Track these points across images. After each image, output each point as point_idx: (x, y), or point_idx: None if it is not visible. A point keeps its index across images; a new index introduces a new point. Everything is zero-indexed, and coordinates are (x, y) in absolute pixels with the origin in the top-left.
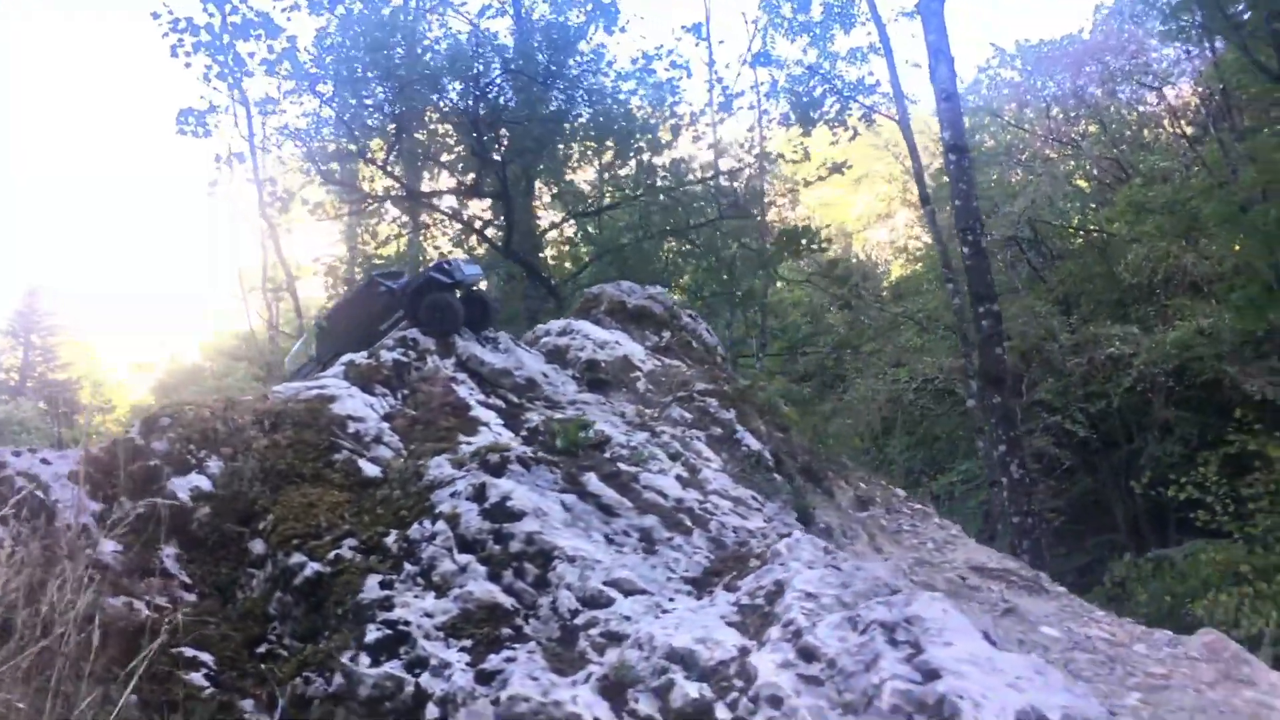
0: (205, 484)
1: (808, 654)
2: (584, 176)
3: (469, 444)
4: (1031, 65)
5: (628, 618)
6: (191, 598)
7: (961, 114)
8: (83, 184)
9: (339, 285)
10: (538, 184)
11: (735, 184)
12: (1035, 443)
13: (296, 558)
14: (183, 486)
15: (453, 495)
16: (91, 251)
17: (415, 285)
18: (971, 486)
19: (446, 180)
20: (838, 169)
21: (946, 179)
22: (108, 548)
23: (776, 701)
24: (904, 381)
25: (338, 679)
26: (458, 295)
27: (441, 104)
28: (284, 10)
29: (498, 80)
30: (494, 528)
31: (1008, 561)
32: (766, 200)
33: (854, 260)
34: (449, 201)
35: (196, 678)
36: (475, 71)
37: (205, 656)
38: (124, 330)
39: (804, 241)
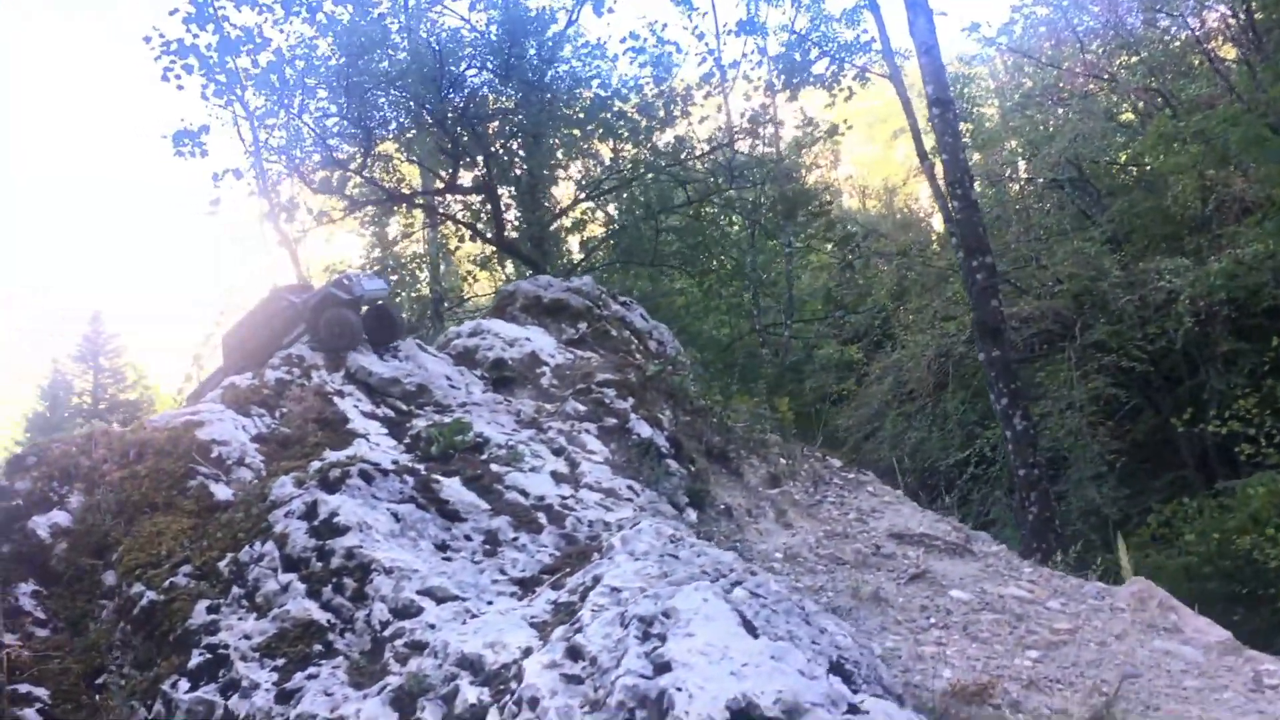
0: (65, 520)
1: (574, 652)
2: (602, 159)
3: (322, 461)
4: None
5: (432, 626)
6: (44, 633)
7: (943, 67)
8: (101, 189)
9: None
10: (553, 172)
11: (749, 153)
12: (1091, 385)
13: (137, 587)
14: (43, 524)
15: (287, 515)
16: (112, 261)
17: (314, 300)
18: None
19: (440, 179)
20: (834, 133)
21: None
22: None
23: (534, 702)
24: (952, 334)
25: (158, 706)
26: (360, 311)
27: (423, 104)
28: (275, 23)
29: (474, 76)
30: (318, 545)
31: (940, 525)
32: (805, 163)
33: (897, 215)
34: (458, 200)
35: (30, 714)
36: (442, 70)
37: (40, 691)
38: (170, 344)
39: (802, 207)
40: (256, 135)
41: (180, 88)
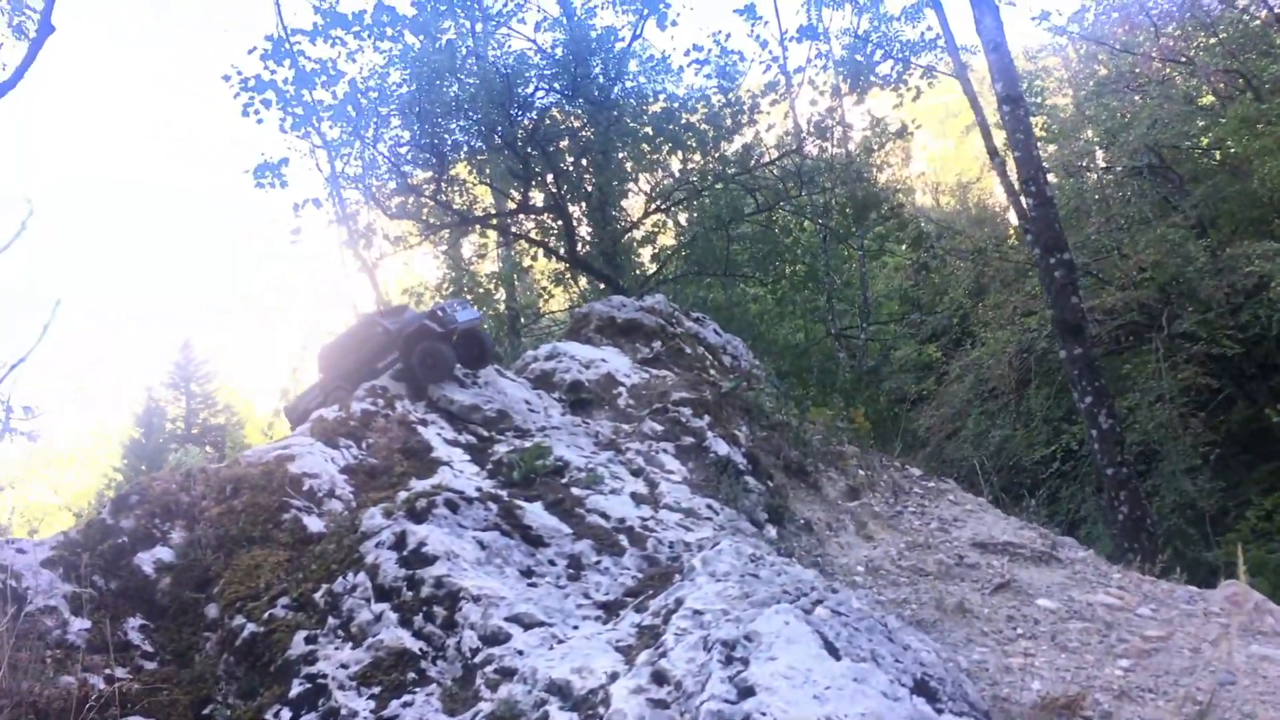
0: (167, 555)
1: (659, 677)
2: (670, 171)
3: (408, 490)
4: None
5: (520, 652)
6: (153, 665)
7: (1012, 63)
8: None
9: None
10: (623, 186)
11: (820, 156)
12: (1180, 376)
13: (238, 619)
14: (147, 560)
15: (377, 545)
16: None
17: (409, 331)
18: None
19: (511, 200)
20: (902, 133)
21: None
22: (75, 626)
23: None
24: (1034, 329)
25: None
26: (453, 339)
27: (493, 127)
28: (349, 54)
29: (542, 97)
30: (408, 574)
31: (1025, 532)
32: (875, 163)
33: (971, 210)
34: (531, 218)
35: None
36: (510, 94)
37: None
38: (266, 367)
39: (872, 209)
40: (334, 165)
41: (260, 121)
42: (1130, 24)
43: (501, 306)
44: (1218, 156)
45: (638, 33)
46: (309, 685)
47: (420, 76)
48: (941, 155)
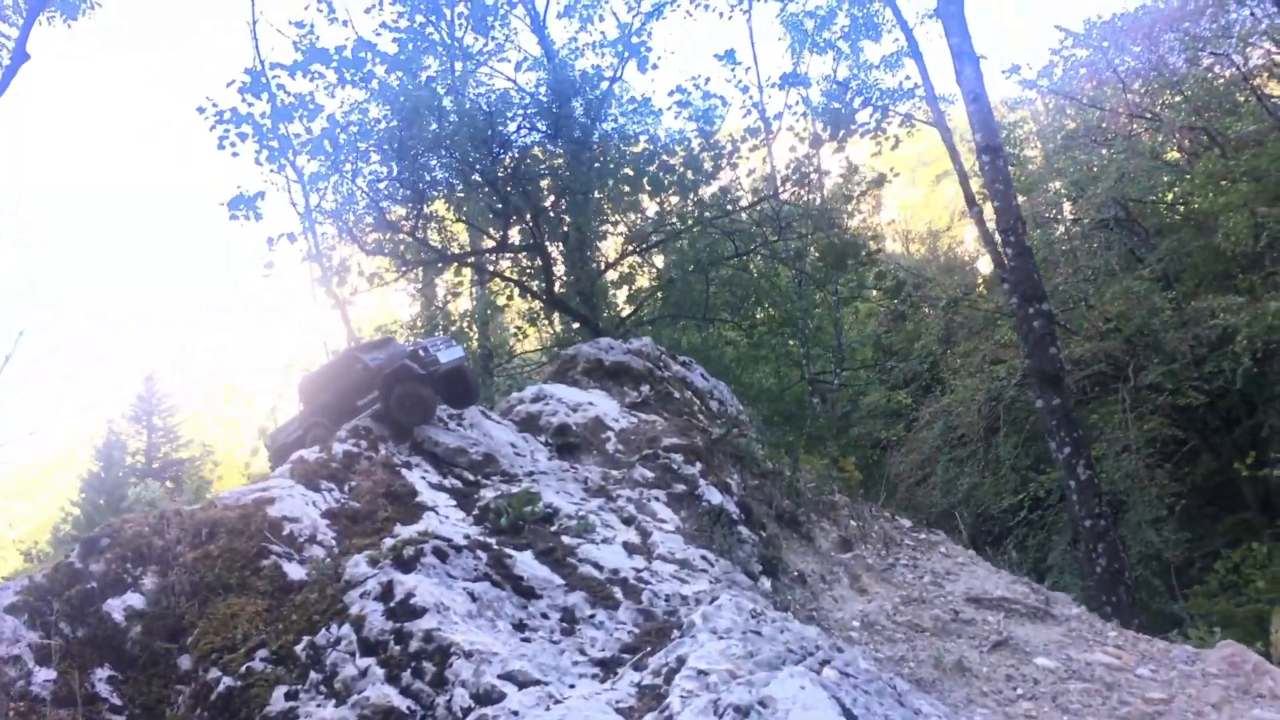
0: (139, 602)
1: None
2: (647, 213)
3: (399, 535)
4: (1107, 41)
5: (515, 713)
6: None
7: (991, 114)
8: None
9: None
10: (600, 227)
11: (796, 202)
12: (1146, 427)
13: (214, 672)
14: (117, 607)
15: (362, 595)
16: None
17: (389, 371)
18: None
19: (491, 238)
20: (880, 182)
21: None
22: (40, 677)
23: None
24: (1002, 378)
25: None
26: (436, 379)
27: (473, 165)
28: (327, 87)
29: (524, 136)
30: (395, 627)
31: (1017, 587)
32: (850, 211)
33: (941, 258)
34: (507, 257)
35: None
36: (492, 132)
37: None
38: (237, 403)
39: (850, 256)
40: (308, 199)
41: (235, 154)
42: (1098, 79)
43: (475, 345)
44: (1182, 211)
45: (618, 75)
46: None
47: (400, 113)
48: (912, 203)
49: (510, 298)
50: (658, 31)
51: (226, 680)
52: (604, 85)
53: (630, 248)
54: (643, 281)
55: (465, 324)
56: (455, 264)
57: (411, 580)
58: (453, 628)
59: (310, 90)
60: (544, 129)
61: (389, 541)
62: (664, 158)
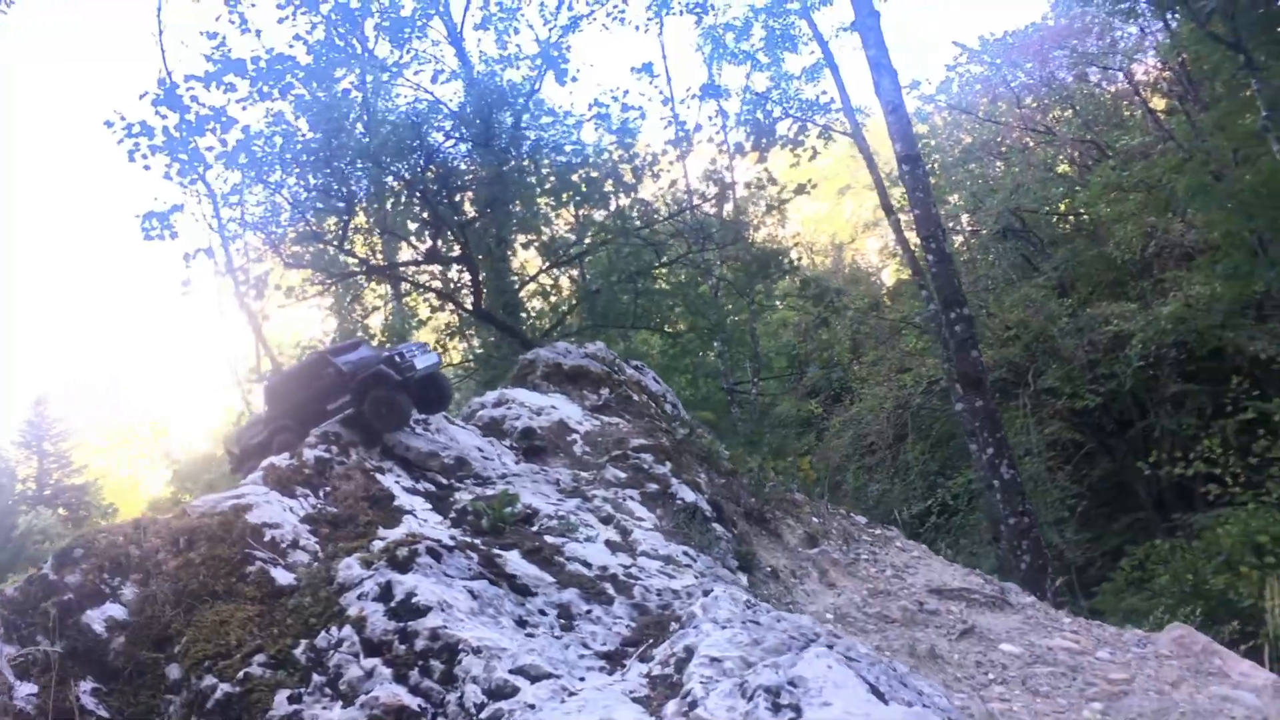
0: (120, 613)
1: None
2: (564, 222)
3: (381, 540)
4: (1000, 57)
5: (532, 706)
6: None
7: (910, 124)
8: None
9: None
10: (518, 238)
11: (712, 214)
12: (1046, 431)
13: (208, 680)
14: (97, 618)
15: (360, 597)
16: (83, 348)
17: (364, 376)
18: (982, 486)
19: (412, 249)
20: (802, 190)
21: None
22: (22, 691)
23: None
24: (909, 386)
25: None
26: (411, 386)
27: (402, 175)
28: (239, 101)
29: (449, 146)
30: (399, 627)
31: (972, 578)
32: (755, 223)
33: (845, 270)
34: (428, 268)
35: None
36: (420, 142)
37: None
38: (133, 426)
39: (773, 266)
40: (219, 214)
41: (147, 168)
42: (992, 95)
43: None
44: (1074, 221)
45: (536, 87)
46: None
47: (324, 123)
48: (815, 217)
49: (434, 311)
50: (575, 46)
51: (224, 687)
52: (522, 99)
53: (551, 259)
54: (563, 293)
55: (384, 338)
56: (375, 278)
57: (411, 580)
58: (458, 625)
59: (224, 104)
60: (465, 139)
61: (378, 544)
62: (585, 171)
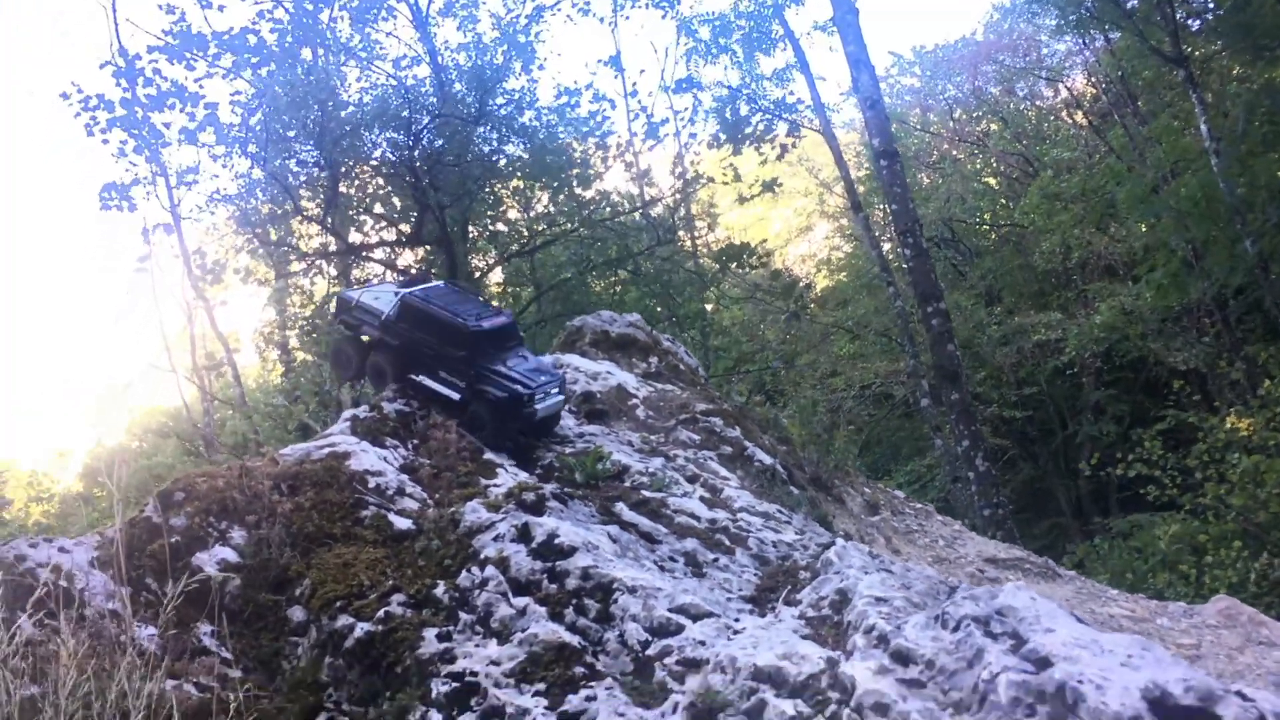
0: (231, 556)
1: (902, 657)
2: (512, 215)
3: (496, 487)
4: (930, 70)
5: (702, 642)
6: (237, 674)
7: (888, 119)
8: None
9: (273, 353)
10: (498, 224)
11: (669, 209)
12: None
13: (343, 620)
14: (208, 561)
15: (495, 539)
16: None
17: (501, 395)
18: (916, 487)
19: (383, 232)
20: (769, 187)
21: (875, 185)
22: (143, 633)
23: (883, 709)
24: (841, 390)
25: None
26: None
27: (374, 156)
28: (198, 79)
29: (428, 126)
30: (547, 566)
31: (1014, 551)
32: (677, 220)
33: (785, 274)
34: (385, 253)
35: None
36: (405, 119)
37: None
38: (42, 416)
39: (744, 256)
40: (171, 193)
41: (105, 142)
42: (923, 106)
43: None
44: (995, 234)
45: (505, 74)
46: (456, 685)
47: (313, 94)
48: (745, 222)
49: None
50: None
51: (364, 626)
52: (493, 84)
53: (519, 246)
54: (524, 289)
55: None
56: (350, 258)
57: (550, 522)
58: (608, 565)
59: (184, 77)
60: (432, 120)
61: (495, 490)
62: (553, 159)
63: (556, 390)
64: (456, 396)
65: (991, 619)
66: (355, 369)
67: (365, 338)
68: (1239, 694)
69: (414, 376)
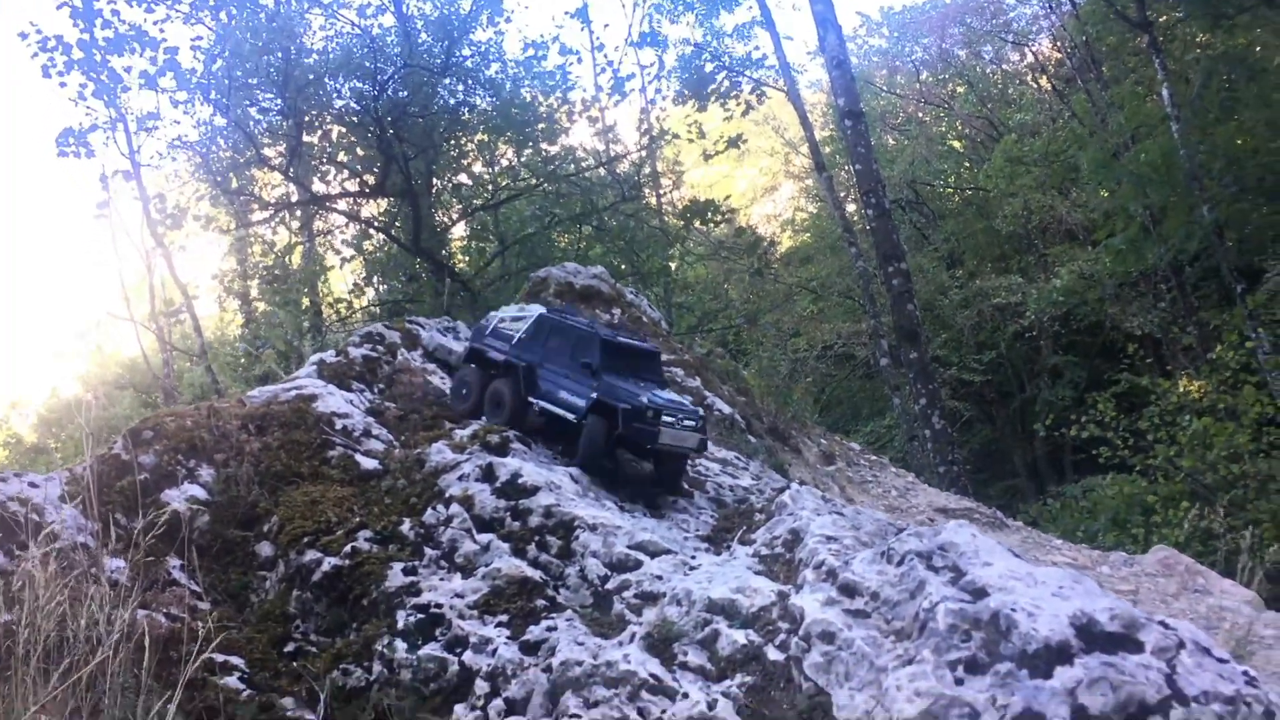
0: (200, 492)
1: (849, 589)
2: (476, 169)
3: (461, 429)
4: (898, 31)
5: (659, 577)
6: (205, 605)
7: (854, 80)
8: None
9: (232, 301)
10: (461, 176)
11: (635, 165)
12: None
13: (311, 555)
14: (177, 497)
15: (460, 478)
16: None
17: (621, 406)
18: (876, 448)
19: (346, 183)
20: (734, 143)
21: (841, 146)
22: (113, 565)
23: (829, 637)
24: (803, 350)
25: (378, 667)
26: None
27: (338, 104)
28: (157, 23)
29: (393, 76)
30: (510, 504)
31: (965, 501)
32: (642, 177)
33: (749, 232)
34: (350, 204)
35: (231, 681)
36: (371, 68)
37: (236, 660)
38: None
39: (709, 213)
40: (130, 139)
41: (63, 84)
42: (890, 68)
43: (306, 301)
44: (958, 198)
45: (472, 24)
46: (422, 616)
47: (276, 38)
48: (709, 180)
49: (359, 250)
50: None
51: (331, 560)
52: (459, 35)
53: (484, 200)
54: (487, 243)
55: (303, 280)
56: (313, 208)
57: (513, 462)
58: (570, 504)
59: (143, 20)
60: (400, 73)
61: (461, 432)
62: (519, 112)
63: (691, 424)
64: (573, 417)
65: (934, 554)
66: (473, 401)
67: (493, 357)
68: (1161, 623)
69: (531, 400)
